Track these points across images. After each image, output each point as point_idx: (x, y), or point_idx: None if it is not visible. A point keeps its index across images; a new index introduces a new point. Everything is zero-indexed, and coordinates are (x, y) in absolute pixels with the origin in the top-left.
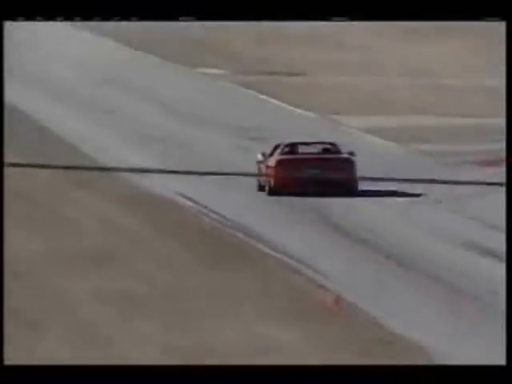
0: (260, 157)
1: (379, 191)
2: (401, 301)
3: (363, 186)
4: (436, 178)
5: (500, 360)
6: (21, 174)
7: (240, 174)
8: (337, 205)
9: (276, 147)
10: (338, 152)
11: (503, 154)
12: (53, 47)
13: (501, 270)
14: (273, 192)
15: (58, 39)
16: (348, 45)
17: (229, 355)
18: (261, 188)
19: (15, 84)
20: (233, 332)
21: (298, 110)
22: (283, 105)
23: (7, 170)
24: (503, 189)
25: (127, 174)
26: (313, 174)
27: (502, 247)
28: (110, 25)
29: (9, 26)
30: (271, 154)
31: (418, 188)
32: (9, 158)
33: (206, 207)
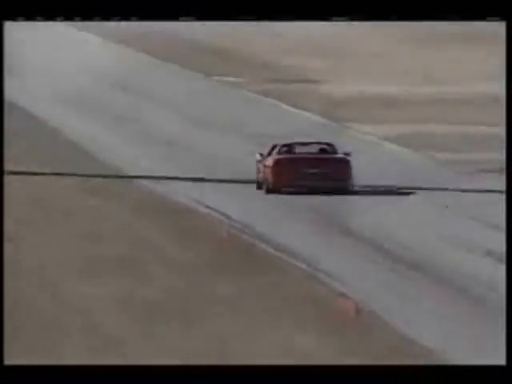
0: (258, 156)
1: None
2: (422, 309)
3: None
4: (449, 185)
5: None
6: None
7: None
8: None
9: (273, 147)
10: (335, 152)
11: None
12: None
13: None
14: (270, 190)
15: (88, 54)
16: (363, 52)
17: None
18: (259, 186)
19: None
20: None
21: (314, 117)
22: (303, 112)
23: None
24: None
25: (151, 182)
26: (309, 173)
27: None
28: (132, 33)
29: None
30: (269, 154)
31: (437, 196)
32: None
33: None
